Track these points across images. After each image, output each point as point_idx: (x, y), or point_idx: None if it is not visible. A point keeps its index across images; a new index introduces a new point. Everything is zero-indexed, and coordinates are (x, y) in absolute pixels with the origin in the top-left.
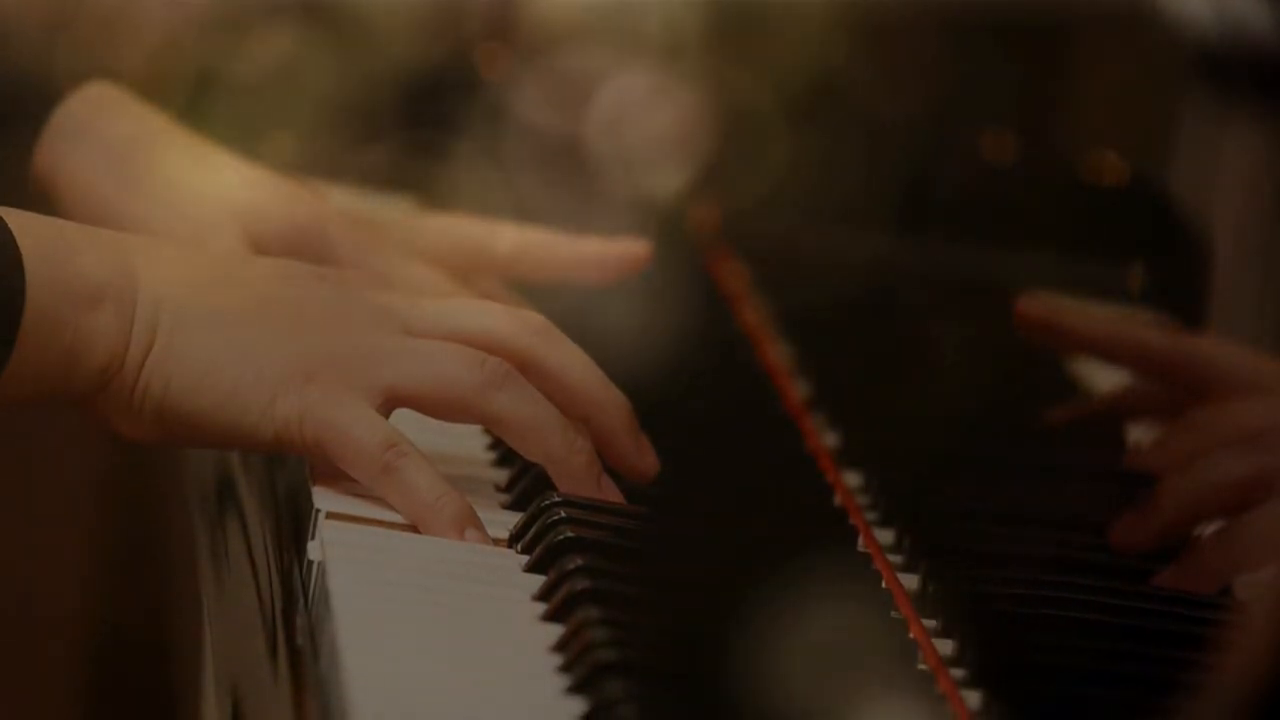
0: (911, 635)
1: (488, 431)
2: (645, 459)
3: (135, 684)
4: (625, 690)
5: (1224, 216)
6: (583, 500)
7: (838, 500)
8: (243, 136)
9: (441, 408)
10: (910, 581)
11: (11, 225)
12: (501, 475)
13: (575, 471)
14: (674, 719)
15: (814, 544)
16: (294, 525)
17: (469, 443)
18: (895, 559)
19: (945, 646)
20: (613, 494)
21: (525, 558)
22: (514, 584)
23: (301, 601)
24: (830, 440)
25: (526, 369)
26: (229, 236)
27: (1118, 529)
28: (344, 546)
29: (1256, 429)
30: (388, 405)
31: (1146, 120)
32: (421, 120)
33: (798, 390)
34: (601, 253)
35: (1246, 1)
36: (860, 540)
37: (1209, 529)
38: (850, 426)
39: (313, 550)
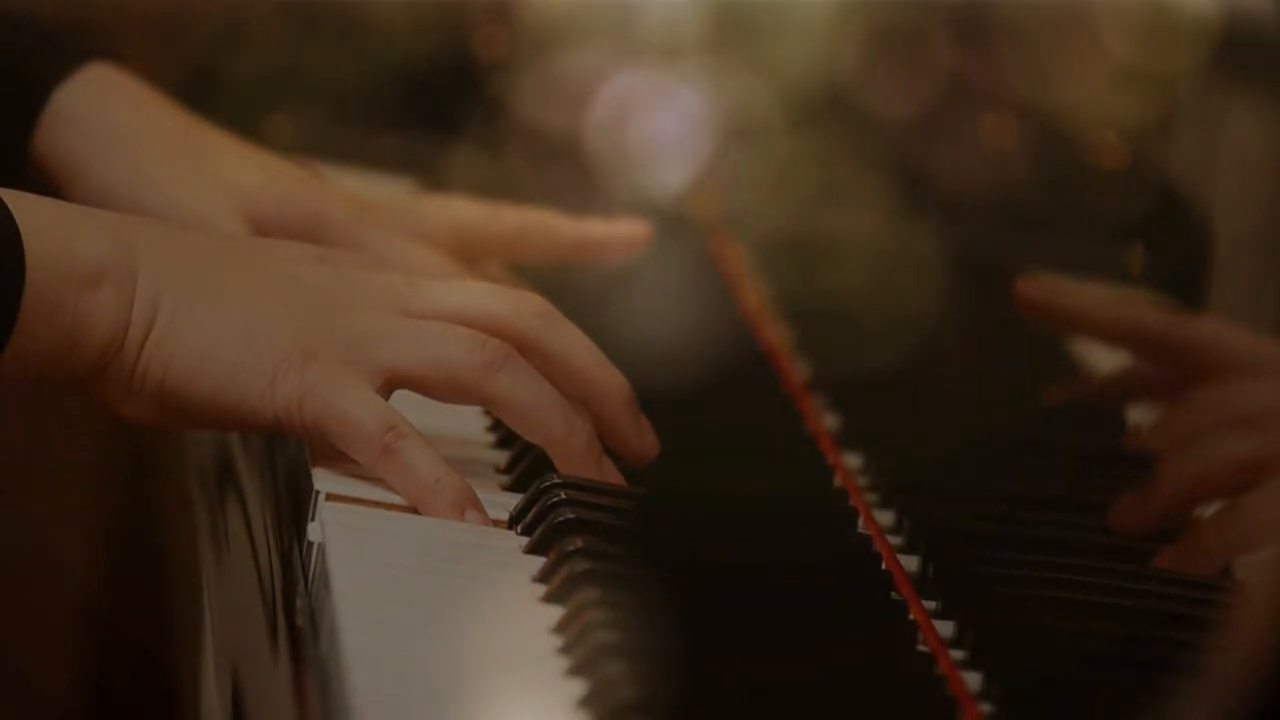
0: (911, 616)
1: (488, 413)
2: (645, 441)
3: (136, 665)
4: (625, 672)
5: (1224, 198)
6: (583, 482)
7: (838, 482)
8: (243, 119)
9: (441, 389)
10: (910, 563)
11: (11, 206)
12: (501, 457)
13: (575, 453)
14: (674, 701)
15: (814, 525)
16: (294, 506)
17: (469, 424)
18: (895, 540)
19: (945, 628)
20: (613, 475)
21: (525, 539)
22: (514, 565)
23: (301, 583)
24: (830, 422)
25: (526, 351)
26: (229, 218)
27: (1117, 510)
28: (344, 528)
29: (1256, 410)
30: (388, 386)
31: (1147, 102)
32: (422, 104)
33: (798, 372)
34: (602, 234)
35: None
36: (860, 522)
37: (1208, 510)
38: (850, 408)
39: (312, 531)
